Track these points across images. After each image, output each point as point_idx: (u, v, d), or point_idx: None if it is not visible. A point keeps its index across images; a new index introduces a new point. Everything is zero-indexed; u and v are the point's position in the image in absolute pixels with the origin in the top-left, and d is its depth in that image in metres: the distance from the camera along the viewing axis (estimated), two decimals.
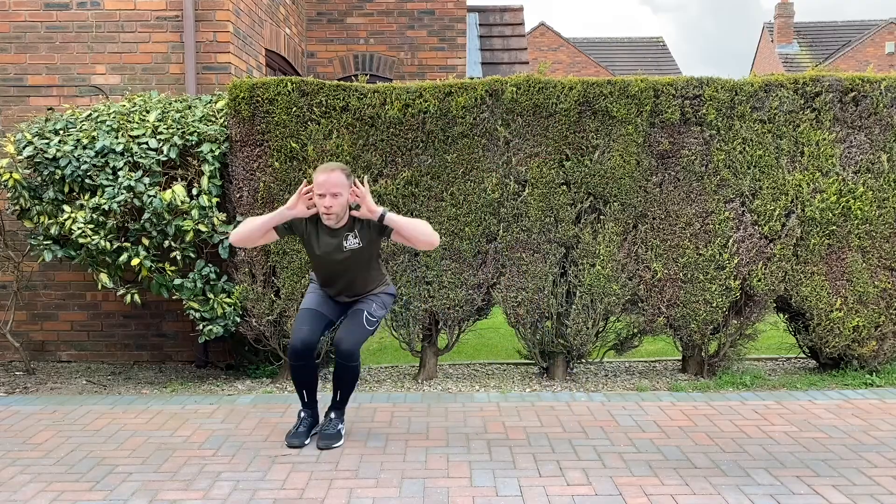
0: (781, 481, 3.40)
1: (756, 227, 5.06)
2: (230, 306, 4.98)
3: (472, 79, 5.16)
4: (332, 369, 5.54)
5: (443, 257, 5.04)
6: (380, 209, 3.78)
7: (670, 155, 5.06)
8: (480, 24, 10.81)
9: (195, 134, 4.93)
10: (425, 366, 5.33)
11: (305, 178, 4.97)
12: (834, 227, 5.09)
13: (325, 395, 4.32)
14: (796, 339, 5.52)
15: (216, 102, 5.23)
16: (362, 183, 3.86)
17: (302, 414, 4.01)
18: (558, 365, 5.25)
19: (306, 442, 3.90)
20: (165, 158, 4.86)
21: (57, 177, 4.79)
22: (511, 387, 5.10)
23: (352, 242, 3.85)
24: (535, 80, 4.99)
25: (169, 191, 4.74)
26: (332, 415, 4.00)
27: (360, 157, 5.00)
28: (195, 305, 4.96)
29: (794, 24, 30.82)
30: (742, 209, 5.07)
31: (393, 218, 3.79)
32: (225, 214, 4.98)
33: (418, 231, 3.82)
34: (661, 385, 5.11)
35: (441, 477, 3.47)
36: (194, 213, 4.78)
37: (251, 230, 3.85)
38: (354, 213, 3.85)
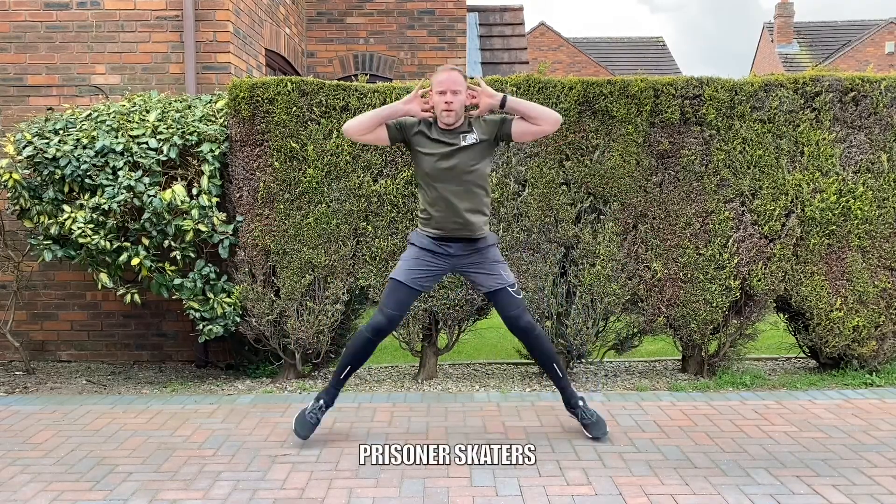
0: (781, 481, 3.40)
1: (756, 227, 5.06)
2: (230, 306, 4.98)
3: (471, 78, 5.16)
4: (331, 368, 5.55)
5: None
6: (500, 94, 3.83)
7: (670, 155, 5.06)
8: (480, 24, 10.81)
9: (195, 134, 4.93)
10: (425, 365, 5.33)
11: (305, 178, 4.97)
12: (834, 227, 5.09)
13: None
14: (796, 338, 5.52)
15: (216, 102, 5.23)
16: (477, 84, 3.91)
17: (321, 402, 3.94)
18: None
19: (313, 434, 3.90)
20: (165, 158, 4.86)
21: (57, 177, 4.79)
22: (511, 386, 5.10)
23: (470, 138, 3.81)
24: (535, 80, 4.99)
25: (169, 190, 4.74)
26: (579, 403, 3.99)
27: (360, 157, 5.00)
28: (195, 305, 4.96)
29: (794, 24, 30.82)
30: (742, 209, 5.07)
31: (514, 98, 3.82)
32: (225, 214, 4.99)
33: (540, 108, 3.85)
34: (661, 385, 5.11)
35: (441, 477, 3.47)
36: (194, 212, 4.78)
37: (362, 120, 3.83)
38: (472, 113, 3.87)
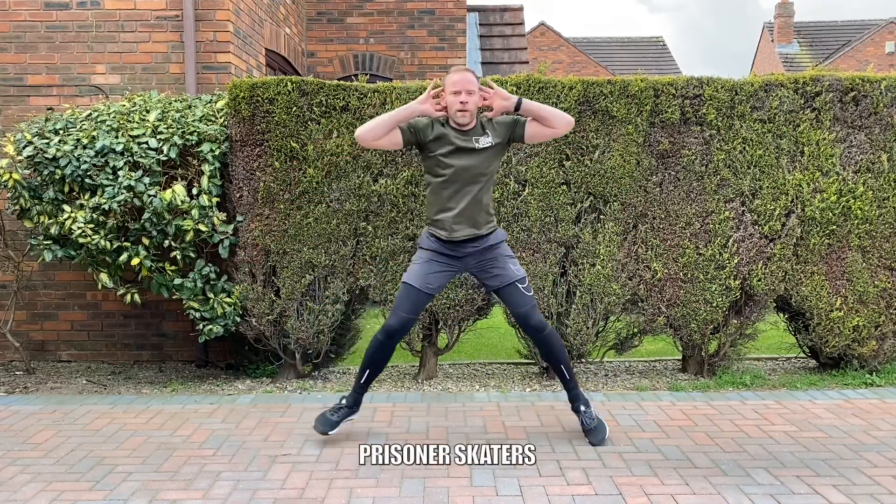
0: (781, 481, 3.40)
1: (756, 227, 5.06)
2: (230, 306, 4.98)
3: None
4: (332, 368, 5.56)
5: None
6: (515, 96, 3.80)
7: (670, 154, 5.06)
8: (480, 24, 10.81)
9: (195, 133, 4.93)
10: (425, 365, 5.33)
11: (305, 178, 4.97)
12: (834, 227, 5.09)
13: (328, 396, 4.32)
14: (796, 338, 5.52)
15: (216, 102, 5.23)
16: (489, 86, 3.87)
17: (343, 401, 3.97)
18: None
19: (334, 432, 3.90)
20: (165, 158, 4.86)
21: (57, 177, 4.79)
22: (511, 386, 5.10)
23: (484, 141, 3.80)
24: (536, 80, 4.99)
25: (169, 190, 4.74)
26: (582, 407, 3.95)
27: (360, 157, 5.00)
28: (195, 305, 4.96)
29: (794, 24, 30.82)
30: (742, 209, 5.07)
31: (529, 101, 3.81)
32: (225, 214, 4.98)
33: (554, 111, 3.82)
34: (661, 385, 5.11)
35: (441, 477, 3.47)
36: (194, 212, 4.78)
37: (377, 124, 3.78)
38: (486, 114, 3.87)
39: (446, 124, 3.83)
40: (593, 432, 3.89)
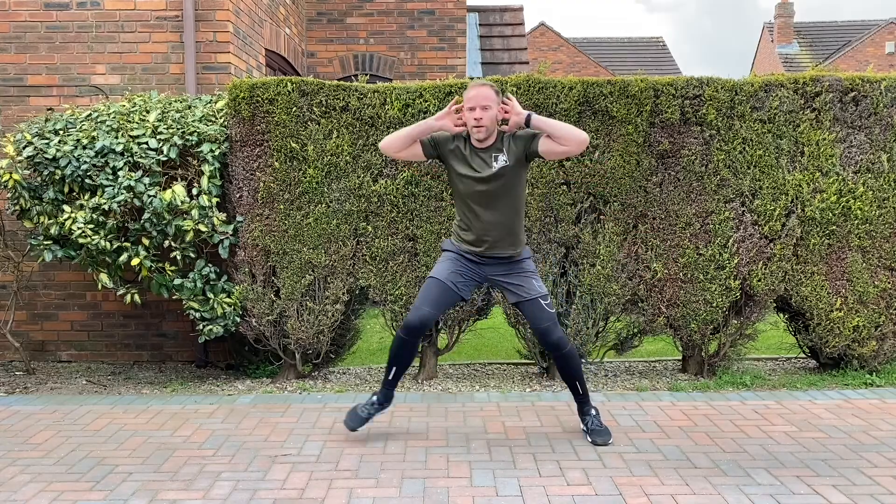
0: (781, 481, 3.40)
1: (756, 227, 5.06)
2: (230, 306, 4.98)
3: (472, 79, 5.15)
4: (332, 368, 5.55)
5: None
6: (526, 111, 3.75)
7: (670, 155, 5.06)
8: (480, 24, 10.81)
9: (195, 134, 4.93)
10: (425, 366, 5.33)
11: (305, 178, 4.97)
12: (834, 227, 5.09)
13: (328, 396, 4.32)
14: (796, 339, 5.51)
15: (216, 102, 5.23)
16: (510, 98, 3.82)
17: (374, 398, 3.97)
18: None
19: (362, 428, 3.92)
20: (165, 158, 4.86)
21: (57, 177, 4.79)
22: (511, 387, 5.09)
23: (500, 160, 3.76)
24: (536, 80, 4.99)
25: (169, 191, 4.74)
26: (592, 411, 3.99)
27: (360, 157, 5.00)
28: (195, 305, 4.96)
29: (794, 24, 30.82)
30: (742, 209, 5.07)
31: (539, 118, 3.74)
32: (225, 214, 4.98)
33: (566, 128, 3.75)
34: (661, 385, 5.11)
35: (441, 477, 3.47)
36: (194, 213, 4.78)
37: (396, 138, 3.83)
38: (504, 128, 3.82)
39: (467, 140, 3.82)
40: (597, 433, 3.91)
